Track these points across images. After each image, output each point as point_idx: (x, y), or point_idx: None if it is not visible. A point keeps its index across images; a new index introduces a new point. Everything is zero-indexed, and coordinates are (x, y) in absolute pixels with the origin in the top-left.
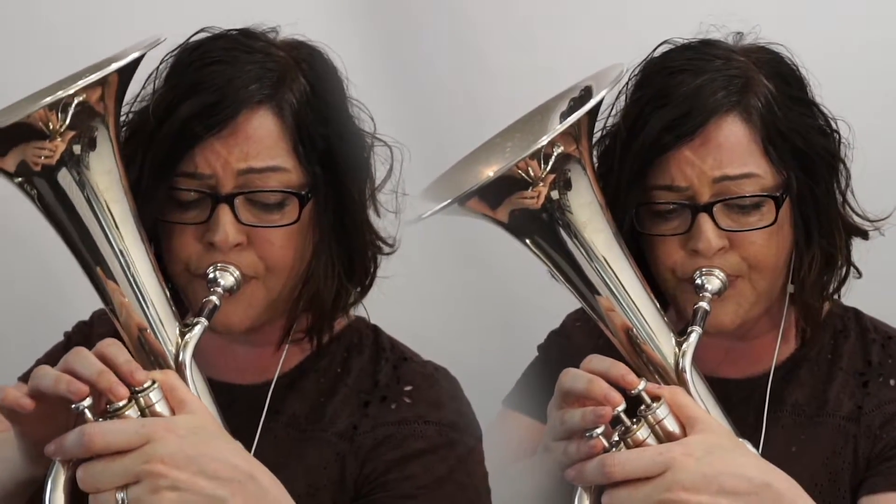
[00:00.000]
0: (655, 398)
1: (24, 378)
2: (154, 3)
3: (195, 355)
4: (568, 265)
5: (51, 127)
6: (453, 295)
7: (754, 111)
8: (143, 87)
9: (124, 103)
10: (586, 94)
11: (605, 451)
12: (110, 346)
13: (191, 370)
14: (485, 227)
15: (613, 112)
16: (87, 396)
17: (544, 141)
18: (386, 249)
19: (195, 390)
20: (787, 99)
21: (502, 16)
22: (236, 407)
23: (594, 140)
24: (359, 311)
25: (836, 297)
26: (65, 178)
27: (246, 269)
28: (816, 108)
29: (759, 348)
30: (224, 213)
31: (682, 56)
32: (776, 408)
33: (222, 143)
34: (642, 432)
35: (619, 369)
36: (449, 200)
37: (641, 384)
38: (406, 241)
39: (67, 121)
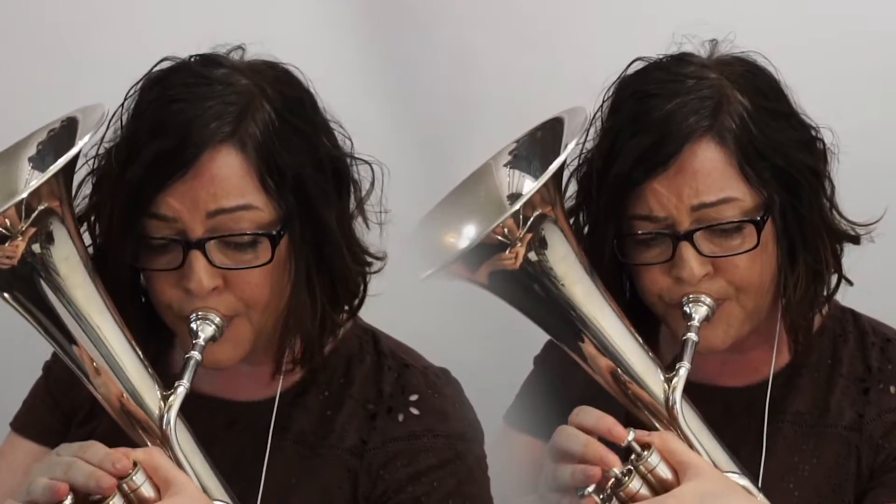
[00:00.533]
0: (645, 446)
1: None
2: (153, 4)
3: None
4: (550, 318)
5: (11, 228)
6: (454, 296)
7: (728, 133)
8: (109, 125)
9: (92, 145)
10: (552, 129)
11: None
12: (88, 449)
13: (176, 434)
14: None
15: (591, 136)
16: (67, 496)
17: (516, 207)
18: (376, 266)
19: (181, 453)
20: (763, 114)
21: (502, 16)
22: (240, 426)
23: (572, 169)
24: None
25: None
26: (28, 275)
27: (226, 310)
28: (796, 118)
29: (756, 359)
30: (196, 259)
31: (653, 78)
32: (777, 417)
33: (187, 187)
34: (634, 484)
35: (607, 423)
36: (429, 273)
37: (630, 435)
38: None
39: (30, 221)
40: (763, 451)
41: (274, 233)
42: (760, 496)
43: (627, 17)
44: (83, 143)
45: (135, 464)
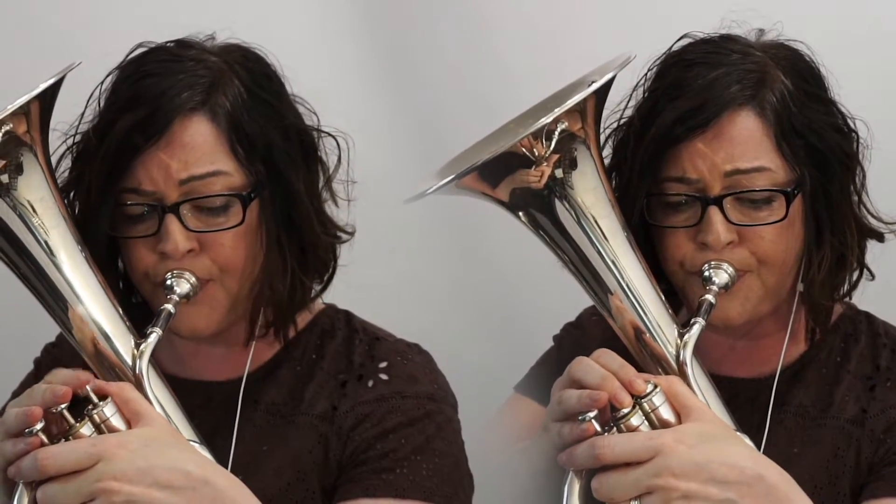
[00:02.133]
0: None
1: (3, 412)
2: (151, 4)
3: (169, 360)
4: (570, 247)
5: None
6: (453, 293)
7: (768, 106)
8: (87, 106)
9: (72, 125)
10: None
11: (598, 435)
12: (57, 373)
13: (148, 378)
14: (485, 226)
15: (630, 104)
16: (39, 420)
17: (548, 119)
18: (344, 237)
19: (154, 397)
20: (803, 96)
21: (511, 14)
22: (214, 402)
23: (610, 131)
24: (358, 309)
25: (848, 299)
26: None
27: (201, 272)
28: (834, 106)
29: (768, 348)
30: (171, 222)
31: (699, 49)
32: (781, 409)
33: (160, 155)
34: (636, 419)
35: (629, 373)
36: (450, 178)
37: (648, 388)
38: (406, 239)
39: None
40: (763, 441)
41: (244, 194)
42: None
43: (630, 17)
44: (51, 81)
45: (106, 397)
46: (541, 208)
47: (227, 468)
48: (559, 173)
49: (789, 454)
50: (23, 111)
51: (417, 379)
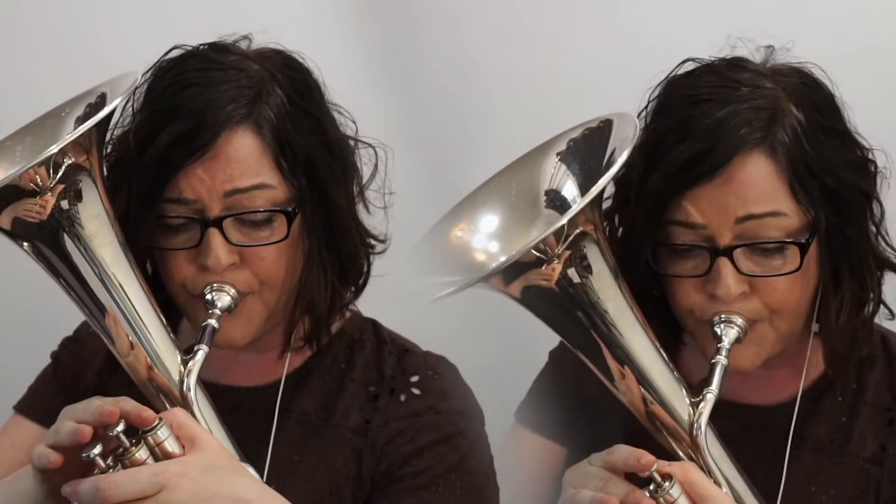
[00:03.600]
0: (666, 477)
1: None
2: (154, 5)
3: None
4: (578, 334)
5: (40, 184)
6: (461, 297)
7: (780, 147)
8: (123, 112)
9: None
10: (599, 132)
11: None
12: (119, 401)
13: (196, 396)
14: None
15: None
16: (88, 438)
17: (562, 221)
18: (378, 247)
19: (202, 416)
20: (817, 130)
21: (504, 14)
22: (244, 409)
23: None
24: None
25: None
26: (56, 231)
27: (241, 286)
28: (850, 138)
29: (782, 378)
30: (214, 236)
31: (705, 82)
32: (797, 444)
33: (205, 168)
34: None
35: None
36: (454, 288)
37: (654, 466)
38: (406, 240)
39: (58, 177)
40: (783, 477)
41: (290, 209)
42: None
43: (629, 19)
44: (116, 103)
45: (160, 420)
46: (551, 304)
47: (262, 477)
48: (572, 273)
49: (808, 493)
50: (83, 138)
51: (448, 394)
